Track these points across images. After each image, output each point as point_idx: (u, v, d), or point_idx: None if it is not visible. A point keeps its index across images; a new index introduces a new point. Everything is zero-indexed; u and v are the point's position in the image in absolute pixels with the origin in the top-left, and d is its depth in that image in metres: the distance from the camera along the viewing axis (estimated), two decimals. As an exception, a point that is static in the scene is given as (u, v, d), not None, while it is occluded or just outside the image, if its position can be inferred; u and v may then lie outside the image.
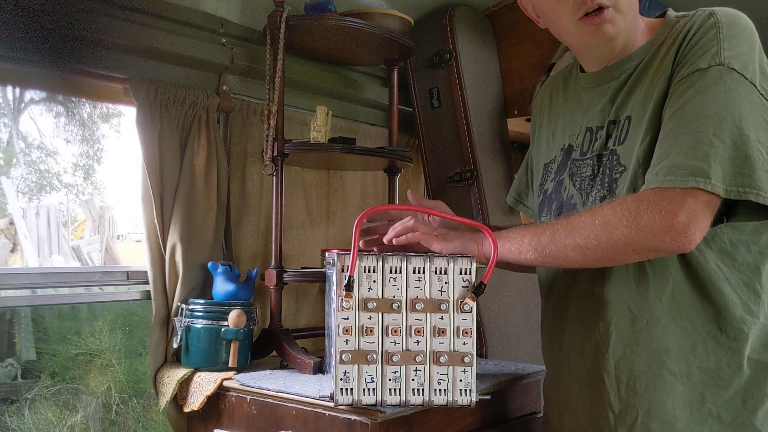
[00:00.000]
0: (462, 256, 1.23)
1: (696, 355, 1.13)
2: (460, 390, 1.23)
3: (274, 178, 1.72)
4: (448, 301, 1.22)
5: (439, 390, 1.22)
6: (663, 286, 1.14)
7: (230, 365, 1.60)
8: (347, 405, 1.22)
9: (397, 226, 1.27)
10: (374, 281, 1.21)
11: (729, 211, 1.11)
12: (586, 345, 1.23)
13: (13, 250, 5.96)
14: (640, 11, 1.24)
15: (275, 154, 1.71)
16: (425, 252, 1.28)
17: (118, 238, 6.51)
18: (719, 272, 1.12)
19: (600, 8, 1.16)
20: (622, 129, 1.19)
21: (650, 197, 1.04)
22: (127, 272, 1.79)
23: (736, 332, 1.12)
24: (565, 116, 1.36)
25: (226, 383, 1.54)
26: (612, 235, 1.06)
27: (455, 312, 1.22)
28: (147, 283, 1.71)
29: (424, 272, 1.22)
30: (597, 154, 1.23)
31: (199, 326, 1.62)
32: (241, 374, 1.58)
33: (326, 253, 1.48)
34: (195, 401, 1.56)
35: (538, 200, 1.39)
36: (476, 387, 1.24)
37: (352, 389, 1.20)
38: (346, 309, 1.20)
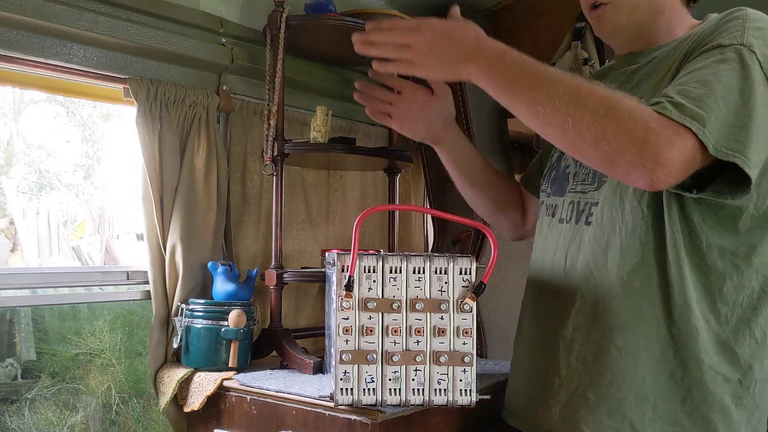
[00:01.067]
0: (462, 256, 1.23)
1: (646, 339, 1.14)
2: (460, 390, 1.23)
3: (274, 178, 1.72)
4: (448, 301, 1.22)
5: (439, 390, 1.22)
6: (630, 265, 1.15)
7: (230, 365, 1.60)
8: (347, 405, 1.22)
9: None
10: (374, 281, 1.21)
11: (701, 187, 1.08)
12: (551, 311, 1.25)
13: (13, 250, 5.95)
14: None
15: (275, 154, 1.71)
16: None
17: (117, 238, 6.50)
18: (684, 267, 1.12)
19: (600, 3, 1.22)
20: None
21: (655, 118, 1.00)
22: (127, 272, 1.79)
23: (690, 328, 1.12)
24: None
25: (226, 383, 1.54)
26: (607, 125, 1.00)
27: (455, 312, 1.22)
28: (147, 283, 1.71)
29: (424, 272, 1.22)
30: None
31: (199, 326, 1.62)
32: (241, 374, 1.58)
33: (326, 253, 1.48)
34: (195, 401, 1.56)
35: (546, 169, 1.41)
36: (476, 387, 1.24)
37: (352, 389, 1.20)
38: (346, 309, 1.20)
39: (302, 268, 1.97)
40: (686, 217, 1.13)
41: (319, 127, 1.75)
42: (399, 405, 1.23)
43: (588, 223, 1.21)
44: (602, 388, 1.16)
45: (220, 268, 1.70)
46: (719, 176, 1.05)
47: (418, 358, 1.21)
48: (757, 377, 1.15)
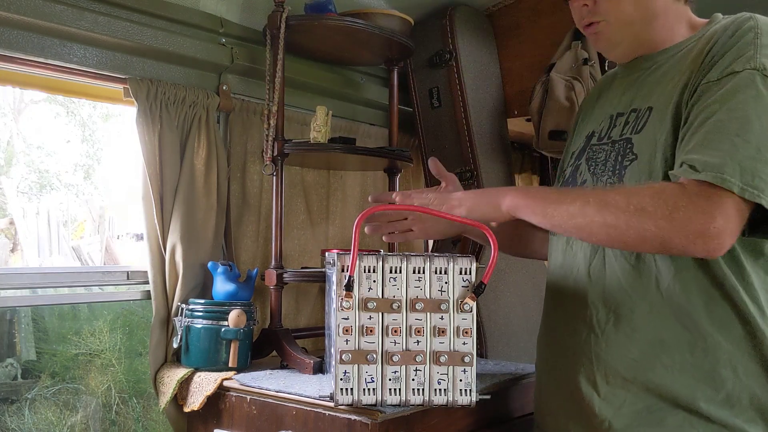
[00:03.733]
0: (462, 256, 1.23)
1: (693, 353, 1.11)
2: (460, 390, 1.23)
3: (274, 178, 1.72)
4: (448, 301, 1.22)
5: (439, 390, 1.22)
6: (672, 279, 1.13)
7: (230, 365, 1.60)
8: (347, 405, 1.22)
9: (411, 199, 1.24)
10: (374, 281, 1.21)
11: (753, 228, 1.08)
12: (580, 325, 1.21)
13: (13, 250, 5.96)
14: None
15: (275, 154, 1.71)
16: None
17: (117, 238, 6.51)
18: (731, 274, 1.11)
19: (593, 22, 1.21)
20: (641, 118, 1.18)
21: (689, 192, 1.02)
22: (127, 272, 1.79)
23: (750, 330, 1.10)
24: (598, 106, 1.36)
25: (226, 383, 1.54)
26: (643, 224, 1.04)
27: (455, 312, 1.22)
28: (147, 283, 1.71)
29: (424, 272, 1.22)
30: (612, 140, 1.23)
31: (199, 326, 1.62)
32: (241, 374, 1.58)
33: (326, 253, 1.49)
34: (195, 401, 1.56)
35: (557, 184, 1.38)
36: (476, 387, 1.24)
37: (352, 389, 1.20)
38: (346, 309, 1.20)
39: (302, 268, 1.97)
40: None
41: (319, 127, 1.75)
42: (399, 405, 1.23)
43: None
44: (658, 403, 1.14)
45: (220, 268, 1.70)
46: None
47: (418, 358, 1.21)
48: None
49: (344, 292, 1.19)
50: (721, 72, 1.07)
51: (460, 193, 1.26)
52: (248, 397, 1.48)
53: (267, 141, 1.71)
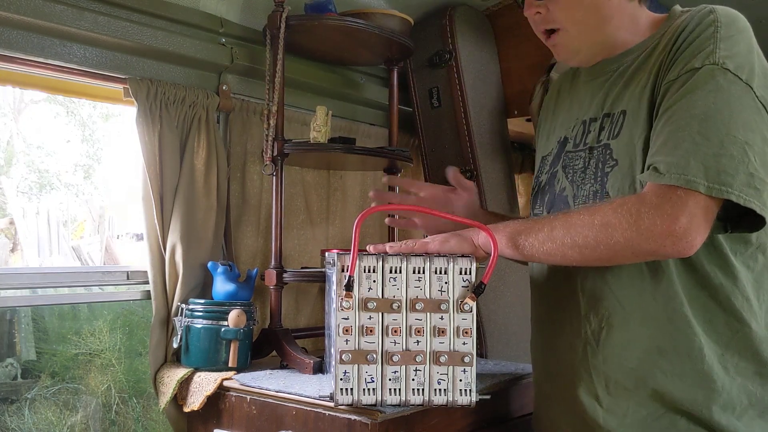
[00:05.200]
0: (462, 256, 1.23)
1: (691, 357, 1.11)
2: (460, 390, 1.23)
3: (274, 178, 1.72)
4: (448, 301, 1.22)
5: (439, 390, 1.22)
6: (658, 284, 1.13)
7: (230, 365, 1.60)
8: (347, 405, 1.21)
9: (396, 246, 1.27)
10: (374, 281, 1.21)
11: (736, 222, 1.08)
12: (576, 341, 1.22)
13: (13, 250, 5.95)
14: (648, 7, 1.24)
15: (275, 154, 1.71)
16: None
17: (117, 238, 6.51)
18: (716, 276, 1.11)
19: (552, 30, 1.22)
20: (616, 122, 1.18)
21: (651, 200, 1.03)
22: (127, 272, 1.79)
23: (734, 331, 1.11)
24: (564, 110, 1.36)
25: (226, 383, 1.54)
26: (611, 237, 1.06)
27: (455, 312, 1.22)
28: (147, 283, 1.71)
29: (424, 272, 1.22)
30: (589, 147, 1.22)
31: (199, 326, 1.62)
32: (241, 374, 1.58)
33: (326, 253, 1.48)
34: (195, 401, 1.56)
35: (533, 192, 1.38)
36: (476, 387, 1.24)
37: (352, 389, 1.20)
38: (346, 309, 1.20)
39: (302, 268, 1.97)
40: None
41: (319, 127, 1.75)
42: (399, 405, 1.23)
43: None
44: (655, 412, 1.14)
45: (220, 268, 1.70)
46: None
47: (418, 358, 1.21)
48: None
49: (344, 292, 1.19)
50: (681, 69, 1.08)
51: (438, 236, 1.28)
52: (248, 397, 1.48)
53: (267, 141, 1.71)
